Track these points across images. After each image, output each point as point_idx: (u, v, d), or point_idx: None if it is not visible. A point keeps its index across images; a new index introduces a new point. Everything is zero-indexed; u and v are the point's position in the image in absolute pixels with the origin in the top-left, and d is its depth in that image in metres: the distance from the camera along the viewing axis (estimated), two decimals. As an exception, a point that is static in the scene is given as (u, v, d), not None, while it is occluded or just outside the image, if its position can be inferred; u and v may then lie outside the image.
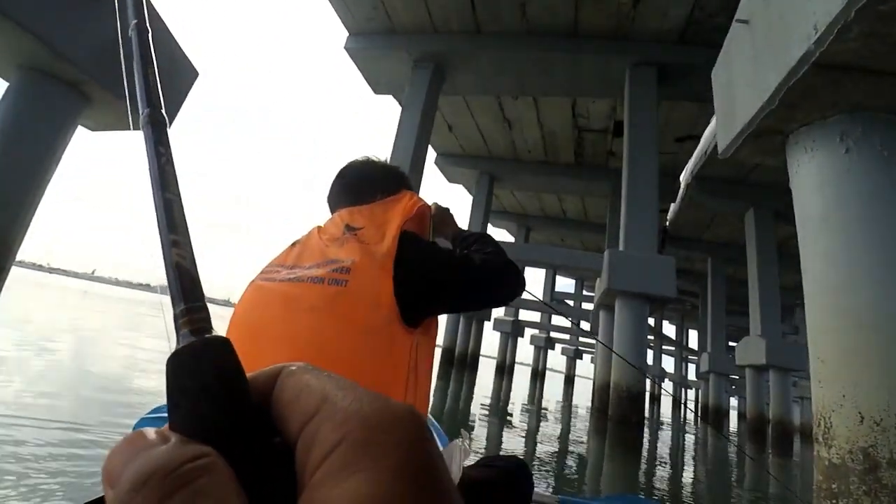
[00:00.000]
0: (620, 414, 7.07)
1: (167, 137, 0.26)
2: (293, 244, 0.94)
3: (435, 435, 1.24)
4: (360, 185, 1.03)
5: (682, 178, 15.82)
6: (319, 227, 0.95)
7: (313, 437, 0.15)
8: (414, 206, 0.94)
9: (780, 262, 14.18)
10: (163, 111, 0.27)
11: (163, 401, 1.61)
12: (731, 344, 23.63)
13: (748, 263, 14.41)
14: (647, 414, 8.16)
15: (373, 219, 0.90)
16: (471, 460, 1.01)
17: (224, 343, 0.18)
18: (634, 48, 9.70)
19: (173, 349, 0.17)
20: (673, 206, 17.43)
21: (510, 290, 0.91)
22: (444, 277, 0.83)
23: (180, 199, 0.23)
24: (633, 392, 7.12)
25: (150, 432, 0.16)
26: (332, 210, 1.04)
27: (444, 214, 1.11)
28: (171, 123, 4.92)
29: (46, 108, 4.62)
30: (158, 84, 0.29)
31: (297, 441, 0.16)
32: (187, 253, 0.21)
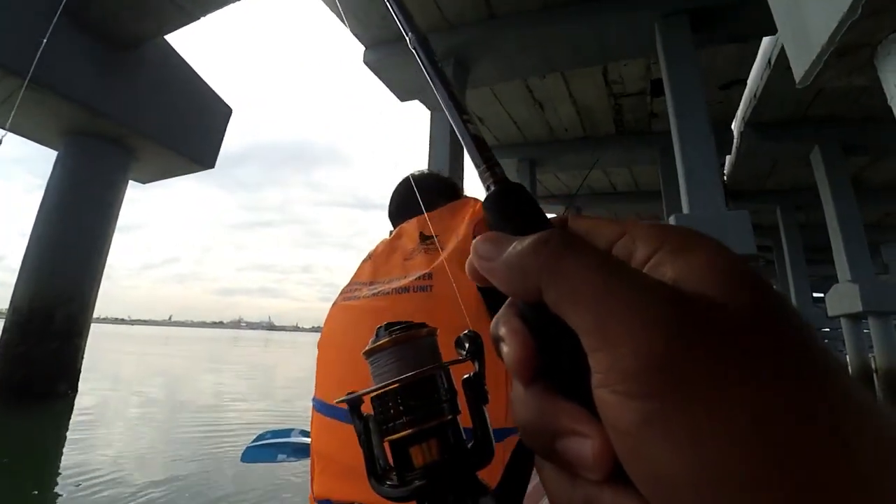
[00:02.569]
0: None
1: (432, 49, 0.30)
2: (366, 260, 0.96)
3: None
4: (426, 195, 1.02)
5: (734, 126, 14.84)
6: (390, 241, 0.96)
7: (631, 247, 0.19)
8: (482, 209, 0.87)
9: (858, 198, 12.97)
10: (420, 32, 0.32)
11: (261, 430, 1.57)
12: (815, 295, 21.94)
13: (824, 205, 13.30)
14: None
15: (444, 224, 0.91)
16: None
17: (520, 185, 0.23)
18: (659, -2, 9.14)
19: (487, 193, 0.24)
20: (729, 159, 16.41)
21: None
22: None
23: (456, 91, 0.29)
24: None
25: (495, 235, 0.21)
26: (395, 222, 1.06)
27: None
28: (214, 163, 5.10)
29: (96, 168, 4.88)
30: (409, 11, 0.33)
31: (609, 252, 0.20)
32: (476, 129, 0.26)
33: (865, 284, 11.94)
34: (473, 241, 0.22)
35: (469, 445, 0.31)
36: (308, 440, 0.95)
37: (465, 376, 0.32)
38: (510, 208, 0.22)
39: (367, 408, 0.33)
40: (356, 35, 11.12)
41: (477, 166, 0.24)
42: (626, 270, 0.17)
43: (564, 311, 0.17)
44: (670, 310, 0.15)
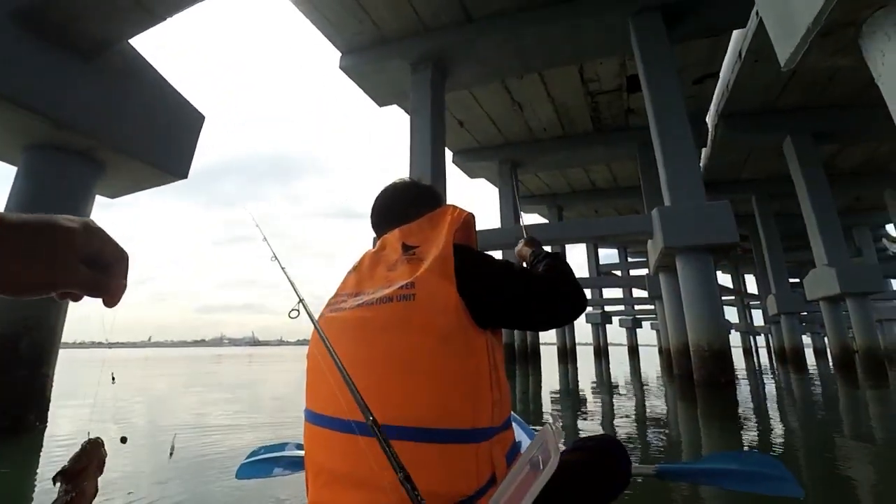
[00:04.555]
0: (707, 375, 6.64)
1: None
2: (351, 272, 0.98)
3: (520, 429, 1.11)
4: (406, 204, 1.07)
5: (707, 120, 15.10)
6: (374, 253, 0.98)
7: None
8: (460, 216, 0.96)
9: (830, 184, 13.32)
10: None
11: (253, 447, 1.45)
12: (792, 281, 22.43)
13: (798, 193, 13.60)
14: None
15: (424, 234, 0.94)
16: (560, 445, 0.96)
17: None
18: (632, -5, 9.24)
19: None
20: (704, 152, 16.69)
21: (568, 303, 0.90)
22: (502, 284, 0.85)
23: None
24: (714, 349, 6.68)
25: None
26: (378, 230, 1.09)
27: (534, 238, 1.24)
28: (187, 173, 4.81)
29: (59, 184, 4.52)
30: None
31: None
32: None
33: (842, 268, 12.23)
34: None
35: None
36: (302, 453, 0.98)
37: None
38: None
39: None
40: (331, 40, 10.99)
41: None
42: None
43: None
44: None
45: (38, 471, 3.60)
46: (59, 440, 4.46)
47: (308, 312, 1.01)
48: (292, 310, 1.05)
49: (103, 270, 0.38)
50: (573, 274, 0.98)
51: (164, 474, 3.25)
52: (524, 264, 1.19)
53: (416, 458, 0.69)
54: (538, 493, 0.63)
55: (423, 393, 0.74)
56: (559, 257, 1.06)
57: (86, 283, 0.36)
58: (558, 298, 0.90)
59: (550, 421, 0.71)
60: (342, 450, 0.76)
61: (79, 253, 0.35)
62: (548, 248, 1.22)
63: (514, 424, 1.12)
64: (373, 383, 0.75)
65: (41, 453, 4.09)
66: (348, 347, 0.81)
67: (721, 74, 12.85)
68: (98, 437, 0.76)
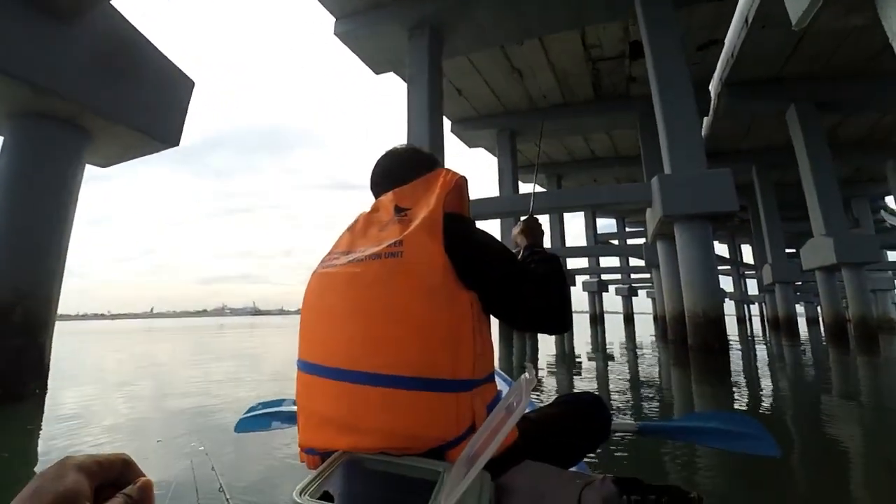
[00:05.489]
0: (701, 342, 6.73)
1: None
2: (345, 231, 1.02)
3: (503, 383, 1.48)
4: (404, 169, 1.09)
5: (711, 87, 14.83)
6: (368, 214, 1.01)
7: None
8: (452, 179, 0.98)
9: (831, 154, 13.22)
10: None
11: (253, 402, 1.49)
12: (788, 251, 22.56)
13: (799, 163, 13.52)
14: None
15: (417, 196, 0.97)
16: (549, 399, 1.02)
17: None
18: (637, -44, 8.90)
19: None
20: (706, 120, 16.47)
21: (562, 307, 0.90)
22: (491, 258, 0.89)
23: None
24: (710, 316, 6.75)
25: None
26: (376, 193, 1.11)
27: (534, 225, 1.24)
28: (178, 140, 4.65)
29: (47, 151, 4.39)
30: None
31: None
32: None
33: (839, 238, 12.29)
34: None
35: None
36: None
37: None
38: None
39: None
40: (324, 3, 10.64)
41: None
42: None
43: None
44: None
45: (40, 433, 3.67)
46: (60, 407, 4.52)
47: None
48: None
49: (119, 480, 0.36)
50: (568, 285, 0.98)
51: (166, 430, 3.31)
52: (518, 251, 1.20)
53: (399, 403, 0.76)
54: (517, 439, 0.68)
55: (406, 343, 0.78)
56: (559, 260, 1.05)
57: None
58: (554, 294, 0.90)
59: (525, 373, 0.74)
60: (331, 395, 0.82)
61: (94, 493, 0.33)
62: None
63: (498, 380, 1.17)
64: (360, 333, 0.81)
65: (42, 420, 4.14)
66: (338, 300, 0.86)
67: (726, 41, 12.55)
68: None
